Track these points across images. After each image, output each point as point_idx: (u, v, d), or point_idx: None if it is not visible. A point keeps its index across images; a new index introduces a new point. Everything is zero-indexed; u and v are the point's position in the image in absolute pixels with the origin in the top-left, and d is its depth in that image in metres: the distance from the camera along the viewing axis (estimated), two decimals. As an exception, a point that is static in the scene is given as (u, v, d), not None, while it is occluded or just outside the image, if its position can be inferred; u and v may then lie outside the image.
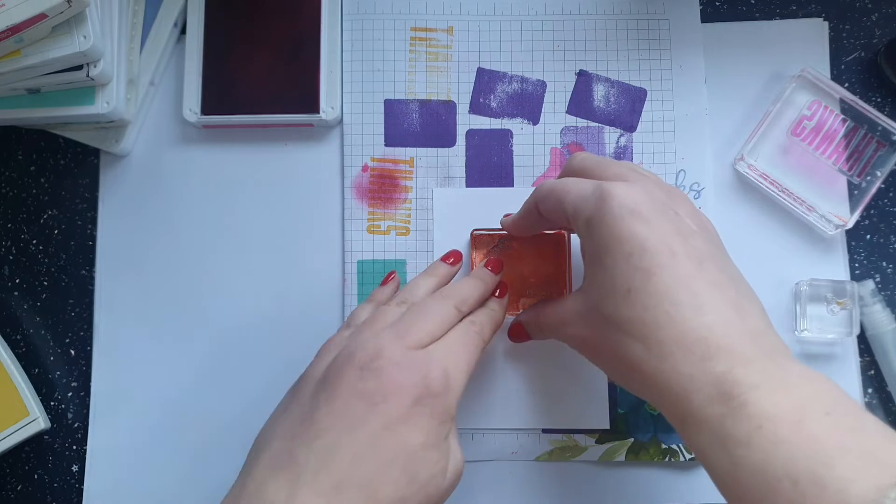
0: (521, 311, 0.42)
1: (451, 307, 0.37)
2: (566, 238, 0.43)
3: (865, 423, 0.28)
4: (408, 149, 0.47)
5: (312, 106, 0.46)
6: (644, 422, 0.44)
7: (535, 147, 0.46)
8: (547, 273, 0.43)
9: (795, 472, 0.26)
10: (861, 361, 0.44)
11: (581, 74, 0.47)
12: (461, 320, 0.38)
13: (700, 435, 0.29)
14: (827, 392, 0.29)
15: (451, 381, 0.34)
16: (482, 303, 0.40)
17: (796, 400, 0.28)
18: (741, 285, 0.33)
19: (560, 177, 0.39)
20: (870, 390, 0.44)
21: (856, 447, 0.27)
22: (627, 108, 0.47)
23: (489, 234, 0.44)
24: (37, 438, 0.45)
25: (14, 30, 0.38)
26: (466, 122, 0.47)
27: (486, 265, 0.41)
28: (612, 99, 0.47)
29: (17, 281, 0.47)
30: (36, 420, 0.43)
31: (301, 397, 0.34)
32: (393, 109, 0.47)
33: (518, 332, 0.42)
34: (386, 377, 0.33)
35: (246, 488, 0.32)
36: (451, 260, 0.42)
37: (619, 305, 0.32)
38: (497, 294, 0.41)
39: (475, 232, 0.44)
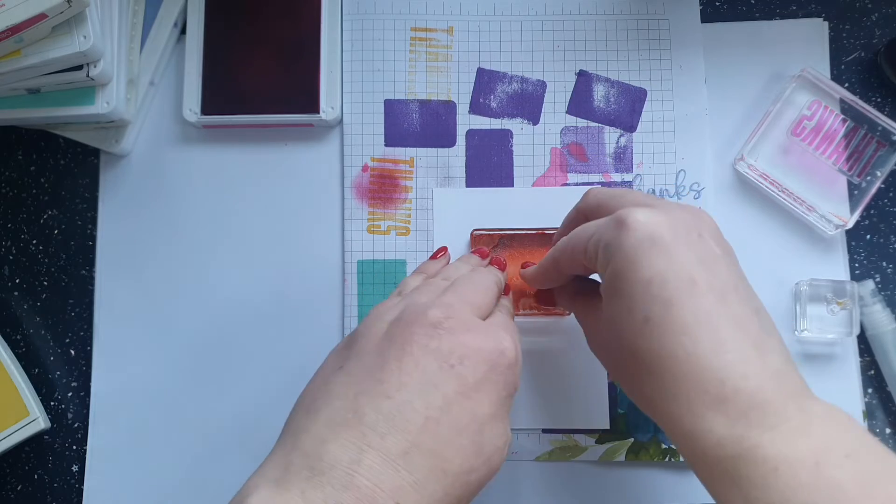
0: (520, 310, 0.42)
1: (494, 283, 0.36)
2: None
3: (888, 465, 0.27)
4: (408, 149, 0.47)
5: (312, 106, 0.46)
6: (644, 422, 0.44)
7: (535, 147, 0.46)
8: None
9: None
10: (861, 361, 0.44)
11: (581, 74, 0.47)
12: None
13: (713, 475, 0.29)
14: (848, 433, 0.28)
15: (518, 355, 0.33)
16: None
17: (815, 442, 0.27)
18: (763, 318, 0.31)
19: (576, 212, 0.38)
20: (870, 390, 0.44)
21: (879, 493, 0.26)
22: (627, 108, 0.47)
23: (489, 234, 0.44)
24: (37, 438, 0.45)
25: (14, 30, 0.38)
26: (466, 122, 0.47)
27: (490, 262, 0.41)
28: (612, 99, 0.47)
29: (17, 281, 0.47)
30: (36, 420, 0.43)
31: (360, 354, 0.31)
32: (393, 109, 0.47)
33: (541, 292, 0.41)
34: (460, 339, 0.31)
35: (300, 445, 0.29)
36: (441, 254, 0.42)
37: (636, 335, 0.30)
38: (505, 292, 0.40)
39: (475, 232, 0.44)
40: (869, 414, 0.44)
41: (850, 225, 0.44)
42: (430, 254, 0.45)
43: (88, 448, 0.45)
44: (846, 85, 0.47)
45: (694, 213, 0.33)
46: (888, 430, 0.44)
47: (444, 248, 0.42)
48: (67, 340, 0.46)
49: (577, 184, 0.46)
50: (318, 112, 0.46)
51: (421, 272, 0.40)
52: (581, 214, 0.38)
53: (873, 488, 0.26)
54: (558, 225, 0.44)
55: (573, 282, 0.38)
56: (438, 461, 0.29)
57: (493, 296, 0.35)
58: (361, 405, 0.29)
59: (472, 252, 0.42)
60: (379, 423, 0.28)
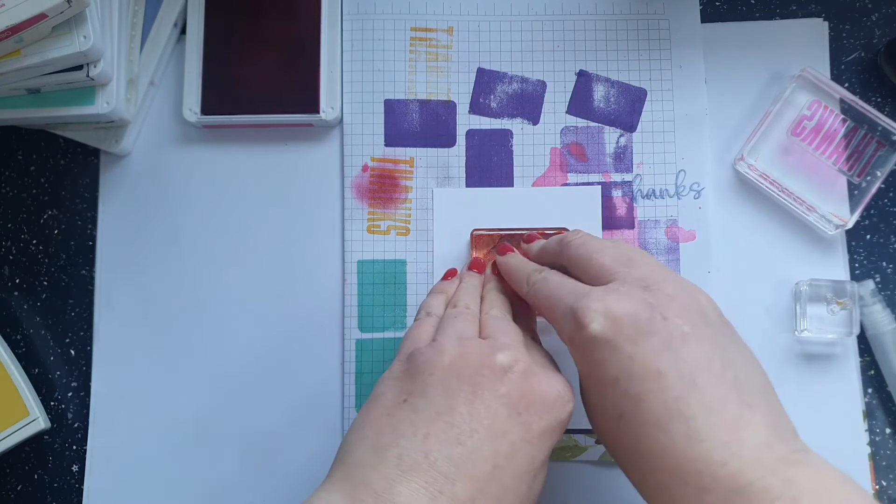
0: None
1: (510, 318, 0.37)
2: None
3: None
4: (408, 149, 0.47)
5: (312, 106, 0.46)
6: (644, 422, 0.44)
7: (535, 147, 0.46)
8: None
9: None
10: (861, 361, 0.44)
11: (581, 74, 0.47)
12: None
13: None
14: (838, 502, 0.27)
15: (573, 400, 0.33)
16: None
17: None
18: (745, 383, 0.30)
19: (556, 250, 0.38)
20: (870, 390, 0.44)
21: None
22: (627, 108, 0.47)
23: (489, 234, 0.44)
24: (37, 438, 0.45)
25: (14, 30, 0.38)
26: (466, 122, 0.47)
27: (470, 267, 0.42)
28: (612, 99, 0.47)
29: (17, 281, 0.47)
30: (36, 420, 0.43)
31: (427, 390, 0.31)
32: (393, 109, 0.47)
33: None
34: (528, 386, 0.31)
35: (369, 482, 0.28)
36: (452, 276, 0.42)
37: (612, 431, 0.31)
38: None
39: (475, 232, 0.44)
40: (869, 414, 0.44)
41: (850, 225, 0.44)
42: (431, 254, 0.46)
43: (88, 448, 0.45)
44: (846, 85, 0.47)
45: (655, 285, 0.32)
46: (888, 430, 0.44)
47: (455, 271, 0.42)
48: (67, 340, 0.46)
49: (577, 184, 0.46)
50: (318, 112, 0.46)
51: (440, 292, 0.40)
52: (558, 258, 0.37)
53: None
54: (559, 225, 0.44)
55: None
56: None
57: (518, 330, 0.36)
58: (432, 448, 0.29)
59: (469, 269, 0.42)
60: (450, 470, 0.29)
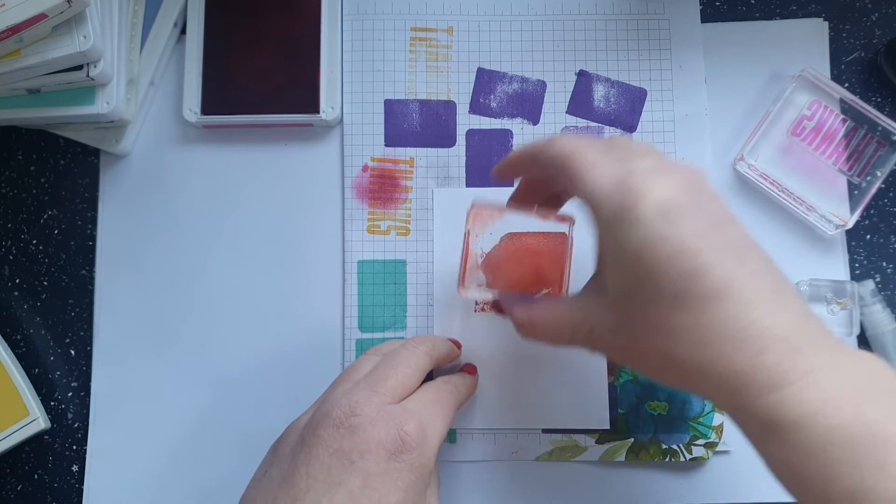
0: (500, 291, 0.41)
1: (422, 353, 0.37)
2: (567, 238, 0.43)
3: None
4: (408, 149, 0.47)
5: (312, 106, 0.46)
6: (644, 422, 0.44)
7: (535, 147, 0.46)
8: (546, 272, 0.43)
9: (855, 456, 0.26)
10: (861, 361, 0.44)
11: (581, 74, 0.47)
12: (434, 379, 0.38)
13: (754, 424, 0.29)
14: (882, 373, 0.29)
15: (428, 435, 0.34)
16: (451, 361, 0.42)
17: (852, 382, 0.28)
18: (774, 268, 0.31)
19: (536, 156, 0.35)
20: (870, 390, 0.44)
21: None
22: (627, 108, 0.47)
23: (489, 210, 0.41)
24: (37, 438, 0.45)
25: (14, 30, 0.38)
26: (466, 122, 0.47)
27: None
28: (612, 99, 0.47)
29: (17, 281, 0.47)
30: (36, 420, 0.43)
31: (280, 459, 0.34)
32: (393, 109, 0.47)
33: (499, 309, 0.42)
34: (361, 434, 0.33)
35: None
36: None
37: (667, 312, 0.30)
38: (467, 370, 0.43)
39: (476, 203, 0.41)
40: (869, 414, 0.44)
41: (850, 225, 0.44)
42: (431, 254, 0.46)
43: (88, 448, 0.45)
44: (846, 85, 0.47)
45: (693, 171, 0.32)
46: (888, 430, 0.44)
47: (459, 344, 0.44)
48: (67, 340, 0.46)
49: (577, 184, 0.46)
50: (318, 112, 0.46)
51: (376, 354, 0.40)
52: (541, 164, 0.35)
53: None
54: (558, 224, 0.44)
55: (531, 312, 0.37)
56: None
57: (415, 369, 0.37)
58: None
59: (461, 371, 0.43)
60: None
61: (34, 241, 0.47)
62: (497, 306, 0.45)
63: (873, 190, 0.44)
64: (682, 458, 0.43)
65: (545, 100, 0.47)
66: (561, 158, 0.33)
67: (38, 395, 0.45)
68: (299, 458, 0.33)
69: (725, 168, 0.46)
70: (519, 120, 0.47)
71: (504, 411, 0.44)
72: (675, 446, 0.43)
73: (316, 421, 0.34)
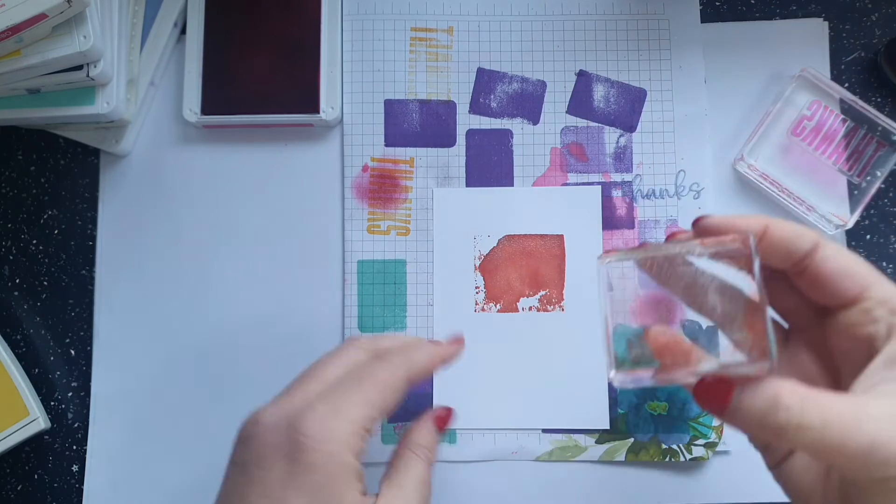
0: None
1: (357, 349, 0.34)
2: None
3: None
4: (408, 149, 0.47)
5: (312, 106, 0.46)
6: (644, 422, 0.44)
7: (535, 147, 0.46)
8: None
9: None
10: (861, 361, 0.44)
11: (581, 74, 0.47)
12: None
13: None
14: None
15: (334, 428, 0.30)
16: (444, 364, 0.36)
17: None
18: None
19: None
20: (870, 390, 0.44)
21: None
22: (627, 109, 0.47)
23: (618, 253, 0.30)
24: (37, 438, 0.45)
25: (14, 30, 0.38)
26: (466, 122, 0.47)
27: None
28: (612, 99, 0.47)
29: (17, 281, 0.47)
30: (36, 420, 0.43)
31: (225, 482, 0.33)
32: (393, 109, 0.47)
33: (715, 397, 0.27)
34: (255, 442, 0.31)
35: None
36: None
37: None
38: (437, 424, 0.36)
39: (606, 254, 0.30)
40: (869, 414, 0.44)
41: (850, 225, 0.44)
42: (431, 254, 0.46)
43: (88, 448, 0.45)
44: (846, 85, 0.47)
45: None
46: (888, 430, 0.44)
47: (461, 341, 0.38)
48: (67, 340, 0.46)
49: (577, 183, 0.46)
50: (318, 112, 0.46)
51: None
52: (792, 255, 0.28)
53: None
54: (559, 225, 0.44)
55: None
56: None
57: (346, 366, 0.33)
58: None
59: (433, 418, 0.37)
60: None
61: (34, 241, 0.47)
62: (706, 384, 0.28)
63: (873, 190, 0.44)
64: (682, 458, 0.43)
65: (545, 100, 0.47)
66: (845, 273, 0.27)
67: (38, 395, 0.45)
68: (225, 477, 0.33)
69: (725, 168, 0.46)
70: (519, 120, 0.47)
71: (504, 411, 0.44)
72: (675, 446, 0.43)
73: (233, 442, 0.33)
